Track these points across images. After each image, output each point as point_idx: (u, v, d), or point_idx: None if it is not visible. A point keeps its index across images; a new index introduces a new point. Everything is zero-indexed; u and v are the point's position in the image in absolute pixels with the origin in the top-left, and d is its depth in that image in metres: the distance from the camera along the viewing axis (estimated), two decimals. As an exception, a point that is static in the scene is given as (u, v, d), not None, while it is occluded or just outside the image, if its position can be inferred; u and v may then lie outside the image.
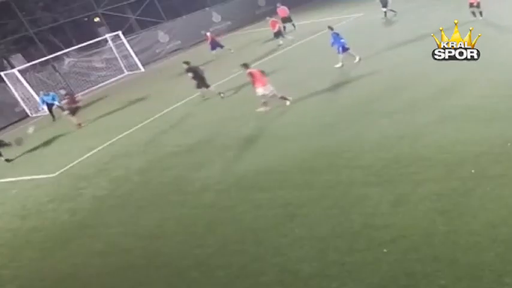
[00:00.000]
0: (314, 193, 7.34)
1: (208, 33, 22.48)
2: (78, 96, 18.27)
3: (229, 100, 14.06)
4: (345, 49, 14.28)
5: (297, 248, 6.11)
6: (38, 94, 19.85)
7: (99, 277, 6.86)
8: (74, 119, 15.83)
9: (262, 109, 11.78)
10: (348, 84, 12.43)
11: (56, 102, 18.61)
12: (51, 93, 19.09)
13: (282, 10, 22.67)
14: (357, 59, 14.44)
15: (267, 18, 21.22)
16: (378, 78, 12.15)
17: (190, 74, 14.77)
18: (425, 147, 7.82)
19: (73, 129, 15.66)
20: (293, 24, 22.92)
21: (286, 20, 22.64)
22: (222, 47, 21.63)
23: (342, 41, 14.20)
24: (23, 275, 7.57)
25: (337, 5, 26.01)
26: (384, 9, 19.72)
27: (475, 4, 17.22)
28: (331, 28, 14.61)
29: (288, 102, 11.84)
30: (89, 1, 25.88)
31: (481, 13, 15.25)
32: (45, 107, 18.95)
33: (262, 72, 11.69)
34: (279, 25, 20.51)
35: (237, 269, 6.07)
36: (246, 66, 11.91)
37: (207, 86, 14.66)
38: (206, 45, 22.48)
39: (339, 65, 14.38)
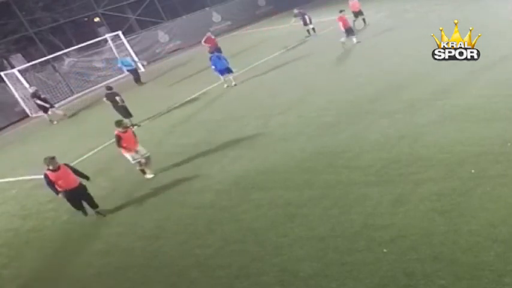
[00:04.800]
0: (314, 193, 7.33)
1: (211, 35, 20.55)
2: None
3: (230, 100, 14.06)
4: (222, 72, 15.04)
5: (297, 248, 6.11)
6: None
7: (99, 277, 6.86)
8: None
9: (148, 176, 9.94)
10: (348, 84, 12.42)
11: (126, 69, 20.10)
12: (122, 59, 20.45)
13: (354, 4, 19.78)
14: (225, 86, 15.30)
15: (208, 33, 20.29)
16: (378, 78, 12.15)
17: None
18: (425, 147, 7.82)
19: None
20: (363, 19, 20.06)
21: (358, 14, 19.91)
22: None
23: (223, 64, 14.85)
24: (23, 275, 7.57)
25: (336, 5, 25.97)
26: (307, 28, 20.52)
27: (357, 11, 18.04)
28: (211, 52, 15.40)
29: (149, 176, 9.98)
30: (89, 1, 25.88)
31: (364, 20, 15.73)
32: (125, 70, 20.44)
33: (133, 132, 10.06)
34: (214, 44, 19.10)
35: (237, 269, 6.07)
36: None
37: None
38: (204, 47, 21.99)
39: (232, 84, 15.26)
